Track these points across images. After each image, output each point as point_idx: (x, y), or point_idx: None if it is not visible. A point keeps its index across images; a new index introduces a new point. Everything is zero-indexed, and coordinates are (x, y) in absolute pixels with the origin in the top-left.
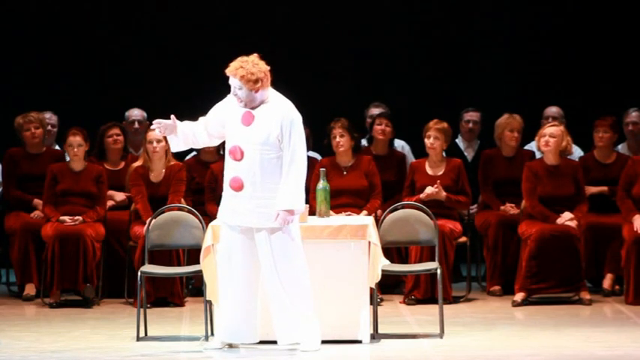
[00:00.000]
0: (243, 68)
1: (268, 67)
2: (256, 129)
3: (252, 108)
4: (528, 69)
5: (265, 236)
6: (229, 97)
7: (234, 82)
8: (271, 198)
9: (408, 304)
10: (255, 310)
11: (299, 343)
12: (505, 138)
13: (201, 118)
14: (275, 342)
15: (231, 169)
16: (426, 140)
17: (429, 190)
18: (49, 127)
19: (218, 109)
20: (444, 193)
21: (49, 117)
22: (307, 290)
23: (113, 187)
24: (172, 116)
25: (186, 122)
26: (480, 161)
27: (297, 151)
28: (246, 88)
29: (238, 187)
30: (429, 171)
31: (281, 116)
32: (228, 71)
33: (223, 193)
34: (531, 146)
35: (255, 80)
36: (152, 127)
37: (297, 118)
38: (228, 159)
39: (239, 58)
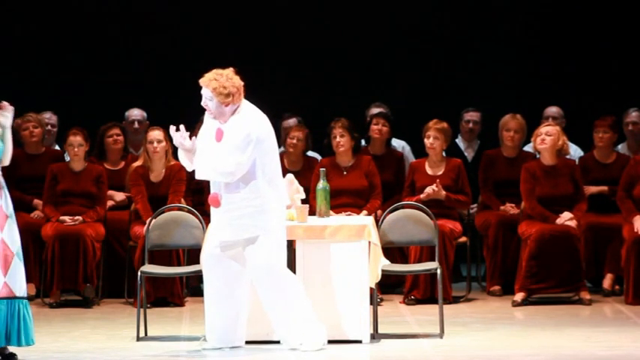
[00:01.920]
0: (216, 81)
1: (242, 83)
2: (225, 145)
3: (223, 122)
4: (528, 69)
5: (244, 246)
6: (206, 116)
7: (206, 92)
8: (245, 208)
9: (408, 304)
10: (239, 314)
11: (301, 343)
12: (503, 138)
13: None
14: (277, 342)
15: (209, 185)
16: (425, 140)
17: (428, 190)
18: (49, 127)
19: (201, 137)
20: (443, 192)
21: (49, 117)
22: (295, 292)
23: (113, 187)
24: (193, 140)
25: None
26: (481, 161)
27: (237, 160)
28: (217, 100)
29: (215, 202)
30: (429, 171)
31: (237, 127)
32: (201, 81)
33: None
34: (530, 147)
35: (227, 94)
36: (176, 132)
37: (254, 132)
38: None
39: (214, 70)
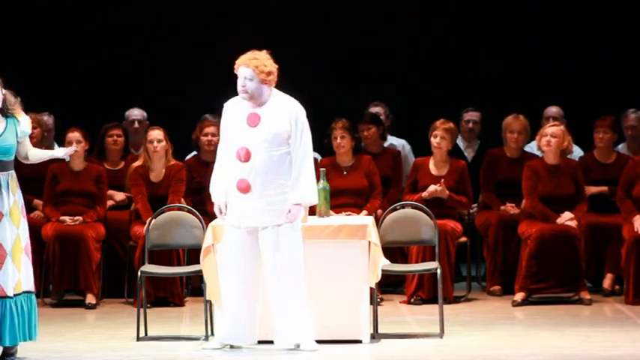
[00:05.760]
0: (257, 59)
1: (277, 66)
2: (264, 128)
3: (259, 106)
4: (529, 69)
5: (270, 233)
6: (227, 105)
7: (245, 72)
8: (282, 194)
9: (414, 304)
10: (254, 311)
11: (298, 344)
12: (506, 139)
13: (219, 159)
14: (271, 342)
15: (237, 172)
16: (432, 139)
17: (431, 188)
18: (46, 134)
19: (226, 127)
20: (446, 192)
21: (46, 119)
22: (305, 290)
23: (113, 186)
24: (224, 203)
25: (221, 184)
26: (484, 160)
27: (309, 147)
28: (257, 79)
29: (245, 188)
30: (433, 170)
31: (290, 113)
32: (239, 61)
33: (229, 196)
34: (531, 146)
35: (268, 72)
36: (220, 216)
37: (304, 114)
38: (233, 161)
39: (251, 52)
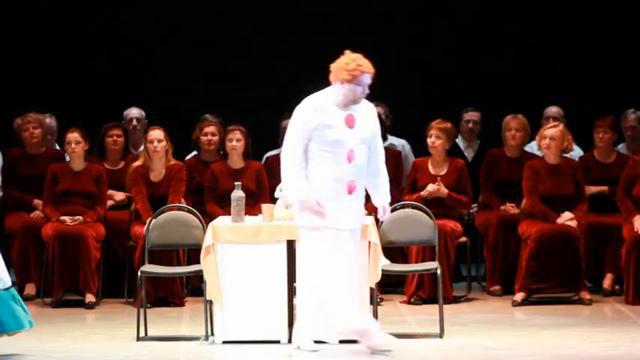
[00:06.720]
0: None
1: None
2: (359, 129)
3: (349, 107)
4: (529, 69)
5: (357, 233)
6: (312, 105)
7: (368, 78)
8: (363, 197)
9: (414, 304)
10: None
11: (298, 346)
12: (505, 137)
13: (296, 162)
14: (278, 342)
15: (343, 173)
16: (428, 139)
17: (430, 187)
18: (49, 137)
19: (309, 129)
20: (445, 190)
21: (49, 122)
22: None
23: (113, 186)
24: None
25: (303, 185)
26: (484, 160)
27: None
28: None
29: (353, 189)
30: (432, 170)
31: (372, 114)
32: (368, 68)
33: (327, 198)
34: (531, 146)
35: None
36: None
37: None
38: (334, 162)
39: (358, 55)
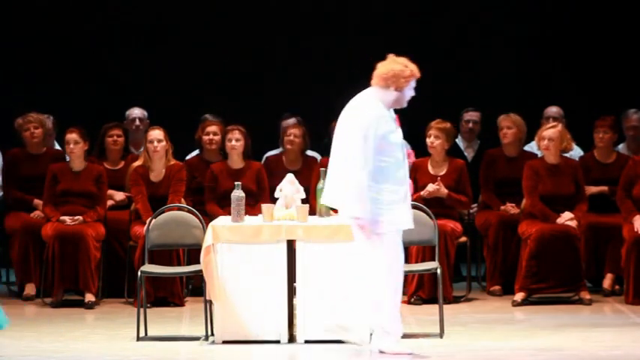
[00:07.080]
0: None
1: None
2: (400, 130)
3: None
4: (529, 69)
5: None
6: (377, 112)
7: (414, 82)
8: None
9: (414, 304)
10: None
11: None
12: (500, 137)
13: (365, 167)
14: (278, 341)
15: (403, 176)
16: (427, 139)
17: (430, 187)
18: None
19: (378, 136)
20: (445, 190)
21: (46, 122)
22: None
23: (113, 186)
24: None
25: (367, 195)
26: (483, 160)
27: None
28: None
29: (411, 188)
30: (432, 170)
31: (393, 115)
32: (418, 72)
33: (395, 199)
34: (531, 146)
35: None
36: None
37: None
38: (399, 166)
39: (403, 59)
